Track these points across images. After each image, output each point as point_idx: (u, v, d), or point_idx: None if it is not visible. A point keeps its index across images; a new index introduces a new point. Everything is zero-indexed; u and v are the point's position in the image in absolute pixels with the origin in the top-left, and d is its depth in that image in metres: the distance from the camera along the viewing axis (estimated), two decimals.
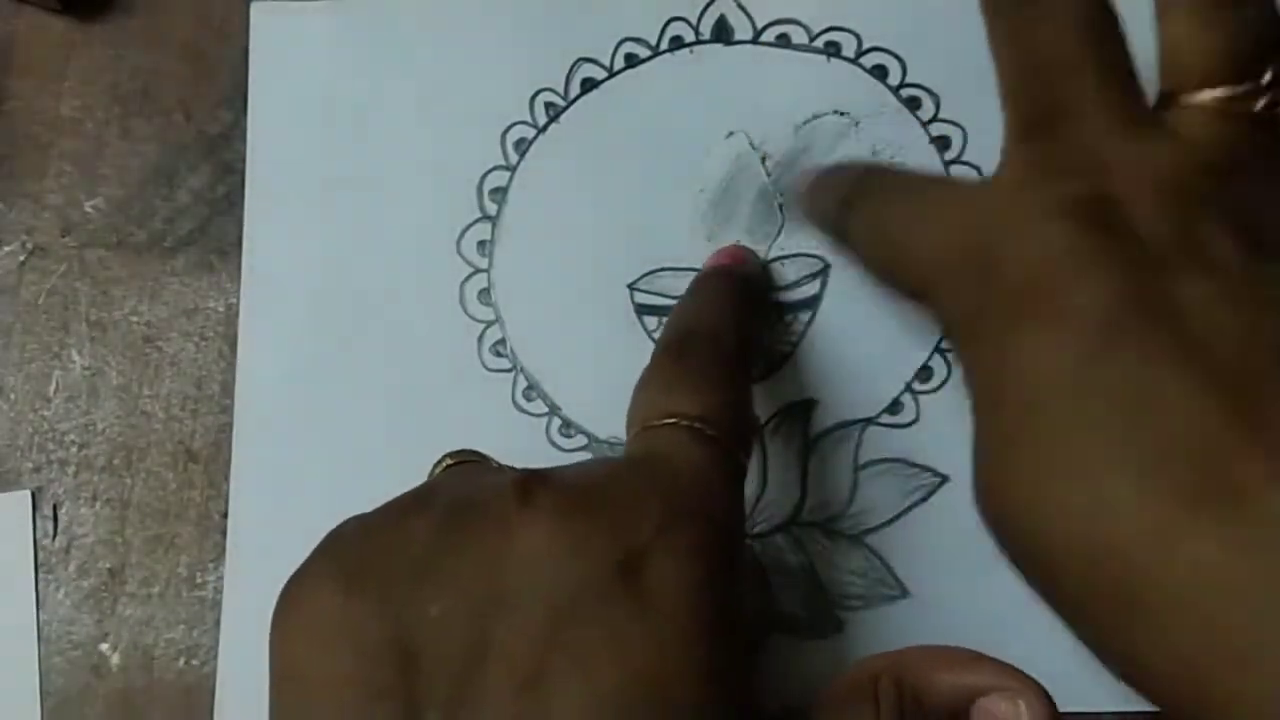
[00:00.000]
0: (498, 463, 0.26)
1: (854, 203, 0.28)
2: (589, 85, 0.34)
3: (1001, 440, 0.21)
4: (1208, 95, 0.22)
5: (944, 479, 0.31)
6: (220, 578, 0.31)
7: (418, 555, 0.20)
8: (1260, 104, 0.22)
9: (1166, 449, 0.19)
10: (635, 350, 0.32)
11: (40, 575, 0.32)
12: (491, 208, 0.33)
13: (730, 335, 0.27)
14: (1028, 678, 0.22)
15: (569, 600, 0.19)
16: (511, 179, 0.33)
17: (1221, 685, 0.18)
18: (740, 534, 0.24)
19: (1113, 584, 0.19)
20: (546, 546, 0.20)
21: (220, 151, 0.34)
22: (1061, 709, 0.29)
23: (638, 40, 0.34)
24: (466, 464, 0.25)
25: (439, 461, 0.25)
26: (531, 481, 0.21)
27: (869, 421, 0.31)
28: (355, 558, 0.21)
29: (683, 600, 0.20)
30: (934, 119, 0.32)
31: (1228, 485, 0.18)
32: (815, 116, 0.33)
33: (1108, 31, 0.23)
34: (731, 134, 0.33)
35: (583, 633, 0.19)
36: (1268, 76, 0.22)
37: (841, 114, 0.33)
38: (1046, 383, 0.20)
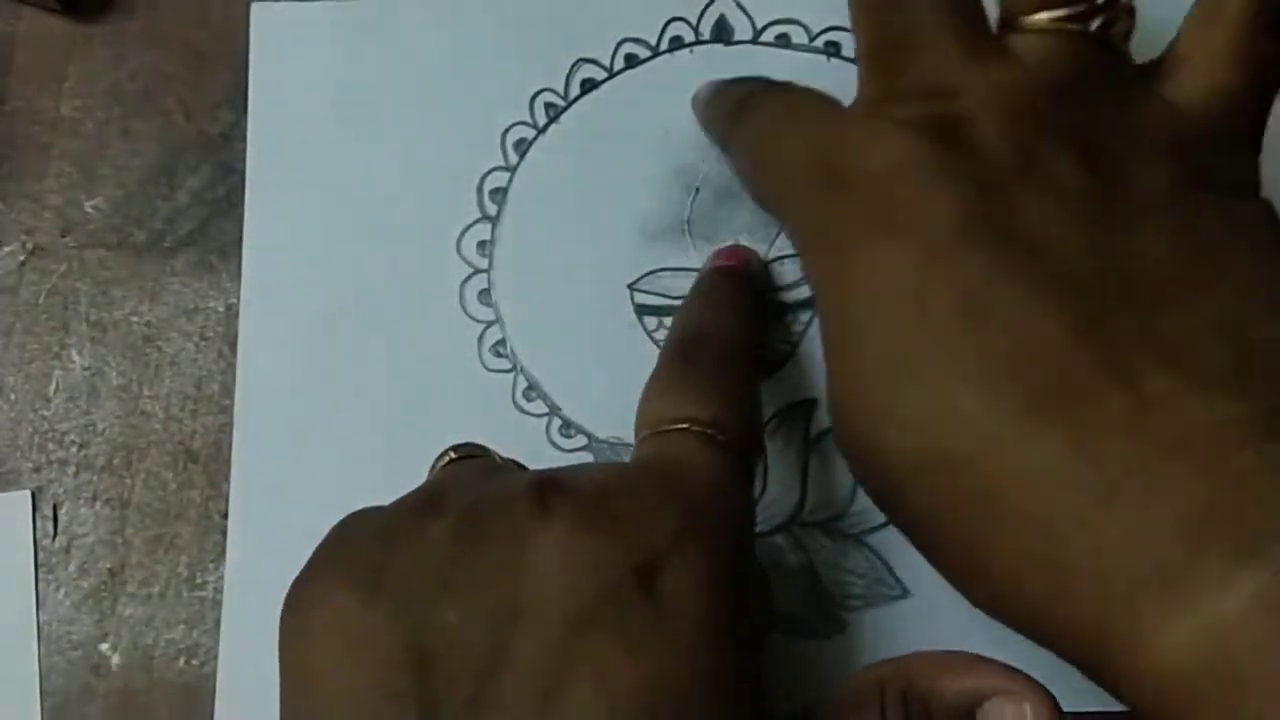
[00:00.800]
0: (501, 457, 0.26)
1: (740, 113, 0.28)
2: (589, 85, 0.34)
3: (846, 355, 0.22)
4: (1044, 16, 0.23)
5: None
6: (220, 578, 0.31)
7: (435, 562, 0.20)
8: (1095, 23, 0.23)
9: (1006, 356, 0.19)
10: (635, 350, 0.32)
11: (40, 575, 0.32)
12: (491, 208, 0.33)
13: (738, 337, 0.27)
14: (1032, 680, 0.22)
15: (586, 609, 0.19)
16: (511, 179, 0.33)
17: (1068, 582, 0.19)
18: (751, 539, 0.24)
19: (961, 495, 0.20)
20: (563, 556, 0.20)
21: (220, 151, 0.34)
22: (1061, 708, 0.29)
23: (638, 40, 0.34)
24: (472, 459, 0.25)
25: (442, 455, 0.25)
26: (547, 488, 0.21)
27: None
28: (370, 561, 0.21)
29: (698, 608, 0.20)
30: None
31: (1066, 388, 0.19)
32: None
33: None
34: None
35: (600, 642, 0.19)
36: None
37: None
38: (889, 293, 0.21)
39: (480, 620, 0.19)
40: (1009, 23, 0.23)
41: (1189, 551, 0.17)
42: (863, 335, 0.21)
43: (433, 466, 0.25)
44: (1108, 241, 0.20)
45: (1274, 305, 0.20)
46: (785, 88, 0.28)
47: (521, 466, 0.26)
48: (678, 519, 0.21)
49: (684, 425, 0.24)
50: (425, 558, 0.20)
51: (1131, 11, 0.23)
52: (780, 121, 0.26)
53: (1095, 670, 0.19)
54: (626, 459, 0.31)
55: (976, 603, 0.21)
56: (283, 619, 0.21)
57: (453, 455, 0.25)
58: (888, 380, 0.21)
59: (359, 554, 0.21)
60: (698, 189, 0.33)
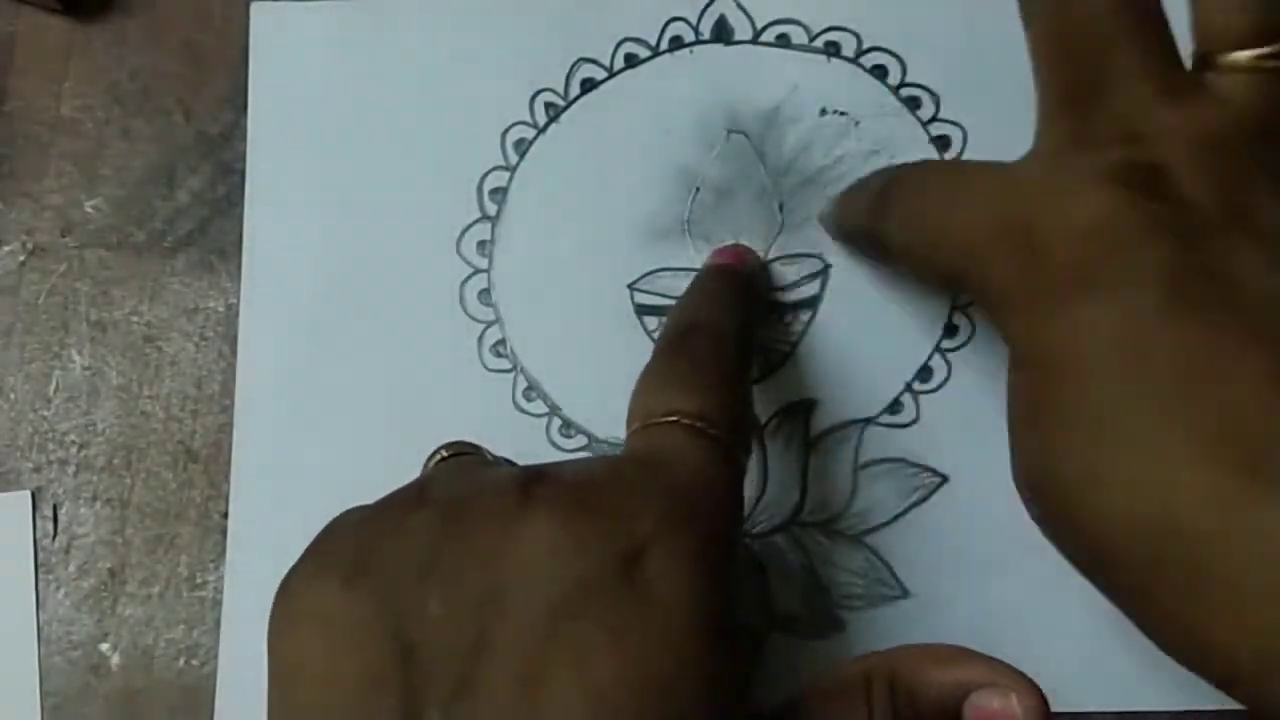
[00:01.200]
0: (493, 455, 0.26)
1: (886, 204, 0.27)
2: (589, 85, 0.34)
3: (1051, 415, 0.21)
4: (1244, 55, 0.22)
5: (944, 479, 0.31)
6: (220, 578, 0.31)
7: (417, 551, 0.20)
8: None
9: (1227, 419, 0.19)
10: (635, 350, 0.32)
11: (40, 575, 0.32)
12: (491, 208, 0.33)
13: (731, 333, 0.27)
14: (1019, 672, 0.22)
15: (568, 597, 0.19)
16: (511, 179, 0.33)
17: None
18: (739, 533, 0.24)
19: (1176, 559, 0.19)
20: (546, 544, 0.20)
21: (220, 151, 0.34)
22: (1061, 709, 0.29)
23: (638, 40, 0.34)
24: (463, 457, 0.25)
25: (434, 454, 0.25)
26: (532, 479, 0.21)
27: (869, 421, 0.31)
28: (353, 552, 0.21)
29: (681, 598, 0.19)
30: (934, 119, 0.32)
31: None
32: (815, 116, 0.33)
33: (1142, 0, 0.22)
34: (731, 134, 0.33)
35: (582, 630, 0.19)
36: None
37: (841, 114, 0.33)
38: (1101, 353, 0.20)
39: (462, 608, 0.19)
40: (1206, 60, 0.22)
41: None
42: (1075, 397, 0.20)
43: (425, 465, 0.25)
44: None
45: None
46: (928, 163, 0.27)
47: (512, 464, 0.26)
48: (662, 507, 0.20)
49: (673, 418, 0.23)
50: (408, 547, 0.20)
51: None
52: (947, 191, 0.24)
53: None
54: None
55: (1182, 661, 0.21)
56: (271, 615, 0.21)
57: (444, 454, 0.25)
58: (1101, 442, 0.20)
59: (343, 546, 0.21)
60: (698, 189, 0.33)
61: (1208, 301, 0.19)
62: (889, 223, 0.27)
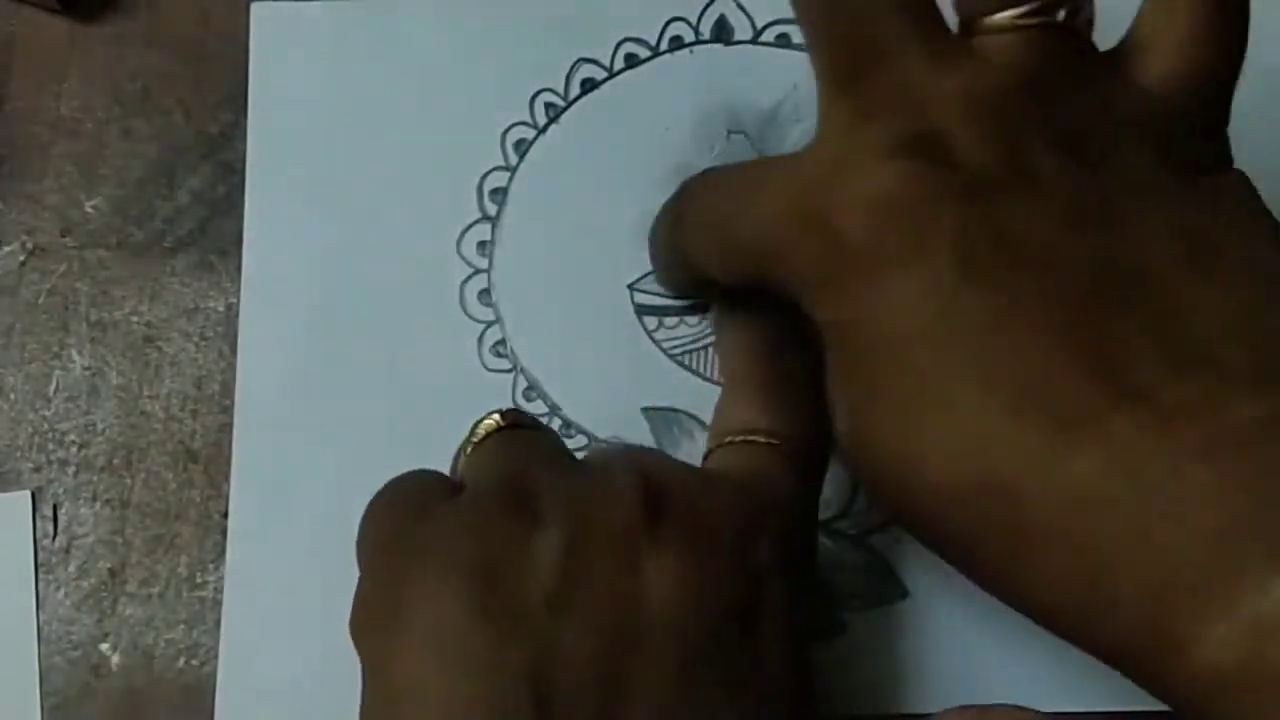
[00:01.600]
0: (544, 425, 0.25)
1: (680, 213, 0.27)
2: (589, 85, 0.34)
3: (868, 391, 0.21)
4: (1008, 15, 0.22)
5: None
6: (220, 578, 0.31)
7: (545, 579, 0.20)
8: (1061, 13, 0.22)
9: (1030, 375, 0.19)
10: (635, 350, 0.32)
11: (40, 575, 0.32)
12: (491, 208, 0.33)
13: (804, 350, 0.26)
14: None
15: (698, 647, 0.19)
16: (511, 179, 0.33)
17: (1110, 594, 0.19)
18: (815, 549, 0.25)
19: (997, 518, 0.20)
20: (677, 588, 0.20)
21: (220, 151, 0.34)
22: (1062, 709, 0.29)
23: (638, 40, 0.34)
24: (522, 430, 0.24)
25: (486, 417, 0.25)
26: (653, 499, 0.21)
27: None
28: (473, 567, 0.20)
29: (787, 654, 0.20)
30: None
31: (1090, 408, 0.19)
32: (815, 116, 0.33)
33: None
34: (731, 134, 0.33)
35: (707, 681, 0.19)
36: None
37: None
38: (907, 325, 0.20)
39: (599, 646, 0.19)
40: (970, 25, 0.23)
41: (1226, 556, 0.18)
42: (886, 369, 0.21)
43: (473, 428, 0.25)
44: (1107, 242, 0.20)
45: (1277, 290, 0.20)
46: (708, 170, 0.26)
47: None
48: (771, 552, 0.21)
49: (756, 438, 0.24)
50: (535, 574, 0.20)
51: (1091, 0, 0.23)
52: (738, 188, 0.25)
53: (1138, 675, 0.20)
54: None
55: (1022, 612, 0.21)
56: (373, 619, 0.21)
57: (500, 421, 0.24)
58: (919, 411, 0.20)
59: (461, 556, 0.20)
60: None
61: (999, 262, 0.20)
62: (682, 240, 0.27)
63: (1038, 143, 0.21)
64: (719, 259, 0.25)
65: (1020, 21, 0.22)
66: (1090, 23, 0.23)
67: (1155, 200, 0.21)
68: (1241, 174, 0.23)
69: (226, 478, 0.32)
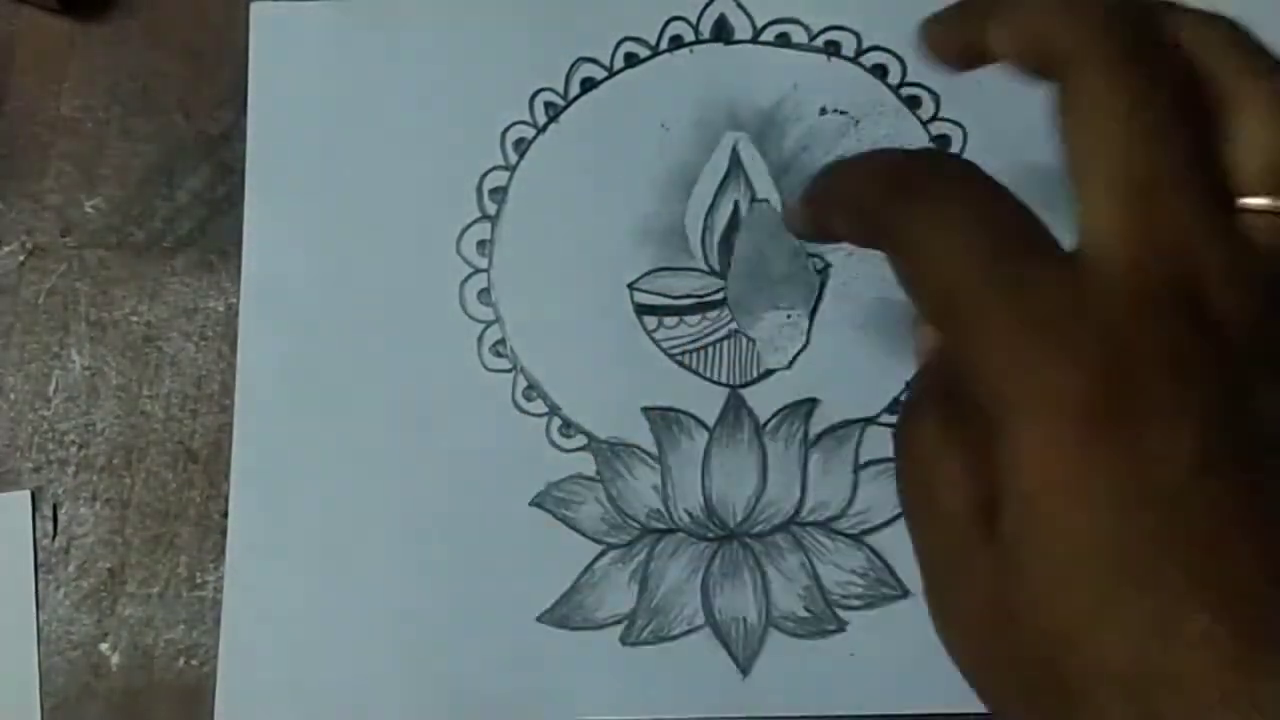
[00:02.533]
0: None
1: (910, 194, 0.23)
2: (589, 85, 0.33)
3: (1054, 544, 0.19)
4: (1265, 202, 0.21)
5: None
6: (220, 578, 0.31)
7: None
8: None
9: (1250, 583, 0.18)
10: (635, 350, 0.32)
11: (40, 575, 0.32)
12: (491, 207, 0.33)
13: None
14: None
15: None
16: (511, 179, 0.33)
17: None
18: None
19: (1165, 711, 0.18)
20: None
21: (220, 151, 0.34)
22: None
23: (637, 40, 0.34)
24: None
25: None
26: None
27: (869, 421, 0.31)
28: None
29: None
30: (934, 118, 0.32)
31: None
32: (815, 115, 0.33)
33: (1197, 106, 0.21)
34: (731, 133, 0.33)
35: None
36: None
37: (841, 113, 0.33)
38: (1131, 490, 0.19)
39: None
40: (1230, 203, 0.21)
41: None
42: (1085, 529, 0.19)
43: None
44: None
45: None
46: (963, 174, 0.22)
47: None
48: None
49: None
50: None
51: None
52: (978, 244, 0.21)
53: None
54: (626, 459, 0.31)
55: None
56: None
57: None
58: (1109, 583, 0.19)
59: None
60: (697, 189, 0.33)
61: (1243, 456, 0.19)
62: (903, 226, 0.23)
63: None
64: (933, 292, 0.22)
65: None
66: None
67: None
68: None
69: (226, 478, 0.32)
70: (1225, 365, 0.19)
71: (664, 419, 0.32)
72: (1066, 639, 0.19)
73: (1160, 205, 0.20)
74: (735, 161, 0.33)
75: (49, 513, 0.32)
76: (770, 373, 0.32)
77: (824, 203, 0.25)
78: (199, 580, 0.32)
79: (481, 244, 0.33)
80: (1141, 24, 0.21)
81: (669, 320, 0.32)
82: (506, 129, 0.33)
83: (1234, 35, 0.21)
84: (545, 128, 0.33)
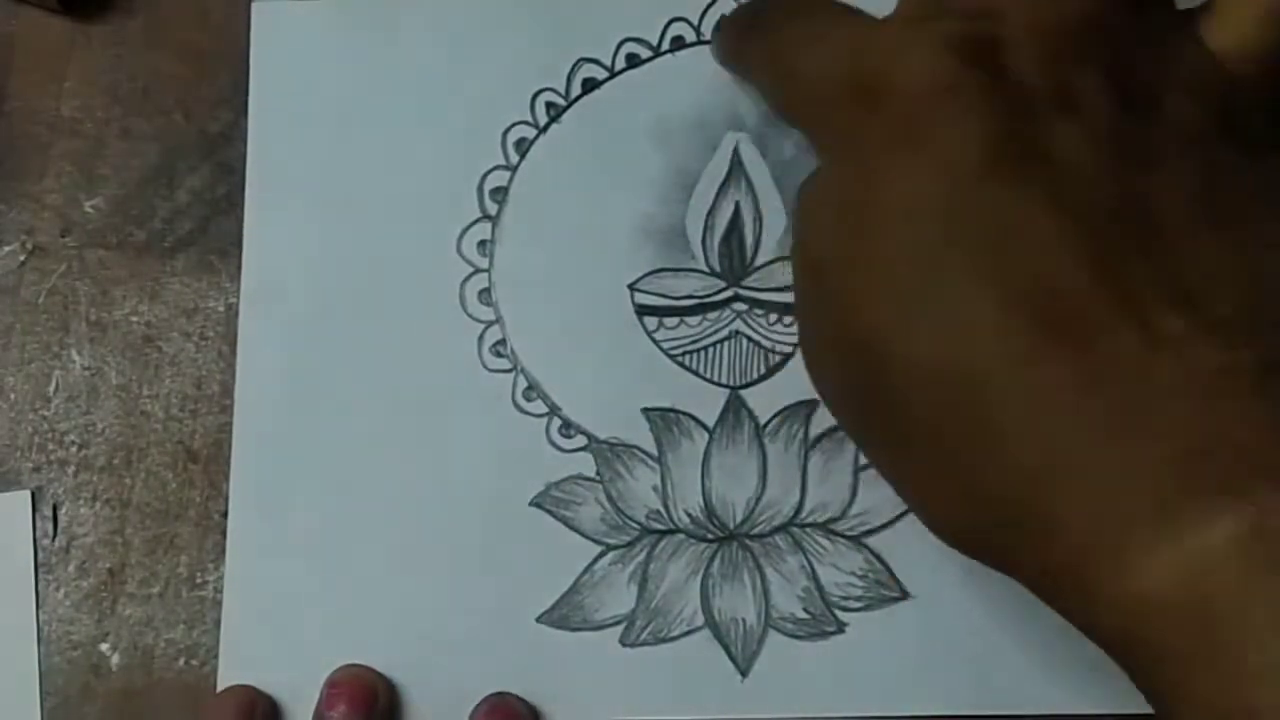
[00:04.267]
0: None
1: (758, 24, 0.28)
2: (590, 85, 0.33)
3: (862, 262, 0.22)
4: None
5: None
6: (220, 578, 0.31)
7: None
8: None
9: (1030, 281, 0.20)
10: (635, 350, 0.32)
11: (40, 575, 0.32)
12: (492, 208, 0.33)
13: None
14: None
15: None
16: (512, 179, 0.33)
17: (1051, 503, 0.19)
18: None
19: (967, 408, 0.20)
20: None
21: (220, 151, 0.34)
22: (1061, 710, 0.29)
23: (639, 40, 0.34)
24: None
25: None
26: None
27: None
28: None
29: None
30: None
31: (1082, 320, 0.20)
32: None
33: None
34: (732, 134, 0.33)
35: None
36: None
37: None
38: (920, 207, 0.21)
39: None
40: None
41: (1180, 487, 0.18)
42: (885, 246, 0.21)
43: None
44: (1134, 176, 0.21)
45: None
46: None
47: None
48: None
49: None
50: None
51: None
52: (807, 30, 0.26)
53: (1066, 599, 0.20)
54: (626, 460, 0.31)
55: (947, 528, 0.22)
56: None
57: None
58: (909, 291, 0.21)
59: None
60: (698, 189, 0.33)
61: (1021, 167, 0.21)
62: (753, 53, 0.28)
63: (1091, 76, 0.22)
64: (776, 95, 0.27)
65: None
66: None
67: (1192, 153, 0.22)
68: None
69: (226, 478, 0.32)
70: (1011, 97, 0.21)
71: (664, 420, 0.32)
72: (879, 340, 0.21)
73: None
74: (736, 162, 0.33)
75: (49, 513, 0.32)
76: (769, 373, 0.32)
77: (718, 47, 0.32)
78: (199, 580, 0.32)
79: (482, 244, 0.33)
80: None
81: (669, 321, 0.32)
82: (507, 129, 0.33)
83: None
84: (546, 128, 0.33)
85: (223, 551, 0.31)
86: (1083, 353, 0.19)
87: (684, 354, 0.32)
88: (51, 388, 0.33)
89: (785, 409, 0.31)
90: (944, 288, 0.21)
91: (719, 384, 0.32)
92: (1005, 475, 0.20)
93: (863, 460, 0.31)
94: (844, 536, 0.30)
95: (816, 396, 0.31)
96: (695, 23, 0.34)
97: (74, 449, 0.33)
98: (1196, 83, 0.23)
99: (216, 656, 0.31)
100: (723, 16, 0.32)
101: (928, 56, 0.22)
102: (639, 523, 0.31)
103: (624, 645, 0.30)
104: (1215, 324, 0.19)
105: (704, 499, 0.31)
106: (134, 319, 0.33)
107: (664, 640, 0.30)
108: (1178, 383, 0.19)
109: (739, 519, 0.31)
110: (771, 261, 0.32)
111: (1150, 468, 0.18)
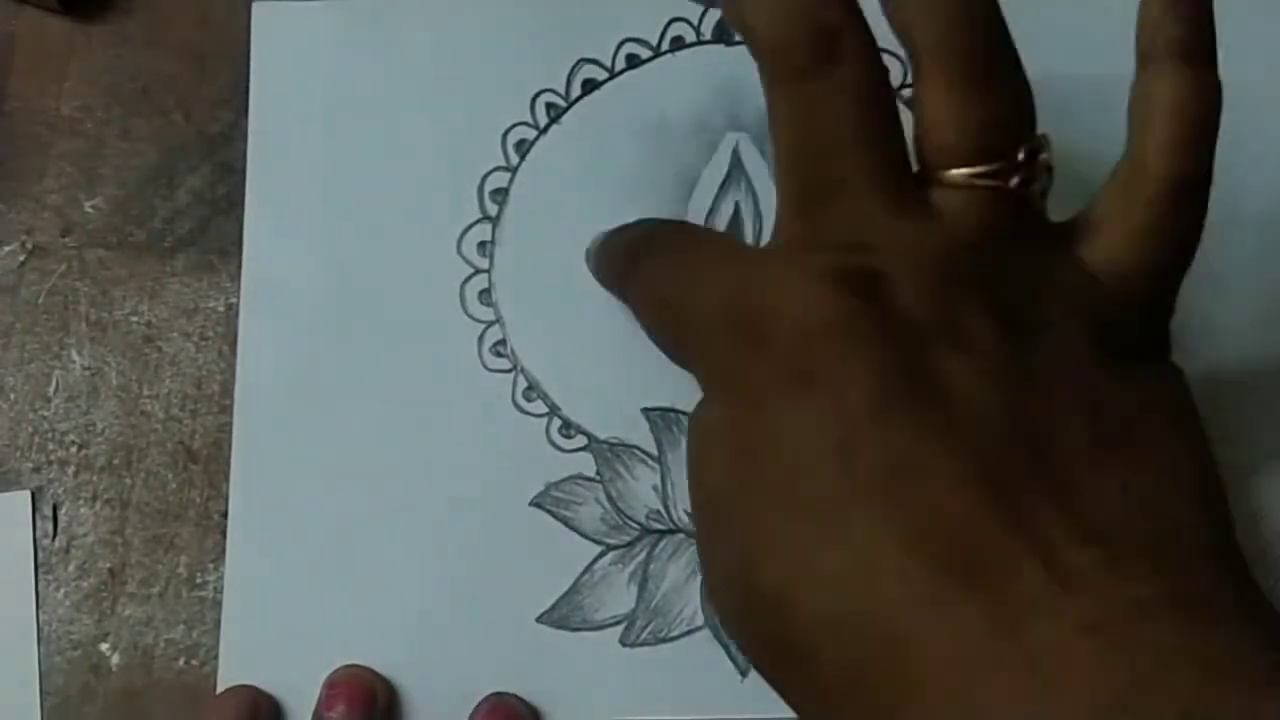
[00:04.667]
0: None
1: (637, 257, 0.28)
2: (590, 86, 0.34)
3: (758, 510, 0.21)
4: (964, 172, 0.22)
5: None
6: (220, 578, 0.31)
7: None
8: (1014, 181, 0.22)
9: (930, 521, 0.19)
10: (635, 350, 0.32)
11: (40, 575, 0.32)
12: (492, 208, 0.33)
13: None
14: None
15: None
16: (512, 179, 0.33)
17: None
18: None
19: (874, 659, 0.19)
20: None
21: (220, 151, 0.34)
22: None
23: (639, 41, 0.34)
24: None
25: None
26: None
27: None
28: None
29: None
30: None
31: (986, 559, 0.19)
32: None
33: (885, 109, 0.23)
34: (732, 134, 0.33)
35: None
36: (1021, 154, 0.22)
37: None
38: (812, 450, 0.20)
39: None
40: (927, 175, 0.23)
41: None
42: (776, 489, 0.21)
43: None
44: (1027, 407, 0.20)
45: (1180, 483, 0.21)
46: (685, 228, 0.27)
47: None
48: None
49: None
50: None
51: (1050, 170, 0.23)
52: (687, 263, 0.25)
53: None
54: (627, 460, 0.31)
55: None
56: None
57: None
58: (808, 540, 0.20)
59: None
60: (698, 189, 0.33)
61: (914, 405, 0.20)
62: (632, 286, 0.27)
63: (974, 304, 0.21)
64: (657, 329, 0.26)
65: (974, 181, 0.22)
66: (1044, 194, 0.23)
67: (1080, 377, 0.21)
68: (1175, 369, 0.23)
69: (226, 478, 0.32)
70: (898, 332, 0.21)
71: (664, 419, 0.32)
72: (783, 595, 0.20)
73: (826, 213, 0.23)
74: (736, 163, 0.33)
75: (49, 513, 0.32)
76: None
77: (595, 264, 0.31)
78: (199, 580, 0.32)
79: (482, 245, 0.33)
80: (828, 20, 0.23)
81: None
82: (508, 130, 0.33)
83: (926, 6, 0.23)
84: (547, 129, 0.33)
85: (223, 551, 0.31)
86: (991, 593, 0.18)
87: None
88: (51, 388, 0.33)
89: None
90: (843, 532, 0.20)
91: None
92: None
93: None
94: None
95: None
96: (695, 23, 0.34)
97: (74, 449, 0.33)
98: (1077, 303, 0.22)
99: (216, 656, 0.31)
100: (598, 236, 0.31)
101: (810, 290, 0.21)
102: (639, 523, 0.31)
103: (624, 645, 0.30)
104: (1124, 555, 0.19)
105: None
106: (134, 319, 0.33)
107: (664, 640, 0.30)
108: (1092, 620, 0.18)
109: None
110: None
111: (1069, 715, 0.18)
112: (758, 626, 0.21)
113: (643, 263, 0.27)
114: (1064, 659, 0.18)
